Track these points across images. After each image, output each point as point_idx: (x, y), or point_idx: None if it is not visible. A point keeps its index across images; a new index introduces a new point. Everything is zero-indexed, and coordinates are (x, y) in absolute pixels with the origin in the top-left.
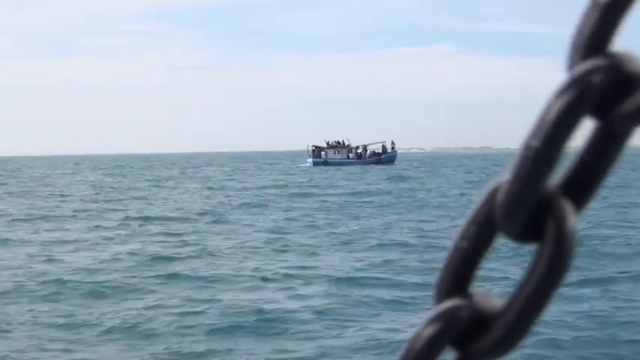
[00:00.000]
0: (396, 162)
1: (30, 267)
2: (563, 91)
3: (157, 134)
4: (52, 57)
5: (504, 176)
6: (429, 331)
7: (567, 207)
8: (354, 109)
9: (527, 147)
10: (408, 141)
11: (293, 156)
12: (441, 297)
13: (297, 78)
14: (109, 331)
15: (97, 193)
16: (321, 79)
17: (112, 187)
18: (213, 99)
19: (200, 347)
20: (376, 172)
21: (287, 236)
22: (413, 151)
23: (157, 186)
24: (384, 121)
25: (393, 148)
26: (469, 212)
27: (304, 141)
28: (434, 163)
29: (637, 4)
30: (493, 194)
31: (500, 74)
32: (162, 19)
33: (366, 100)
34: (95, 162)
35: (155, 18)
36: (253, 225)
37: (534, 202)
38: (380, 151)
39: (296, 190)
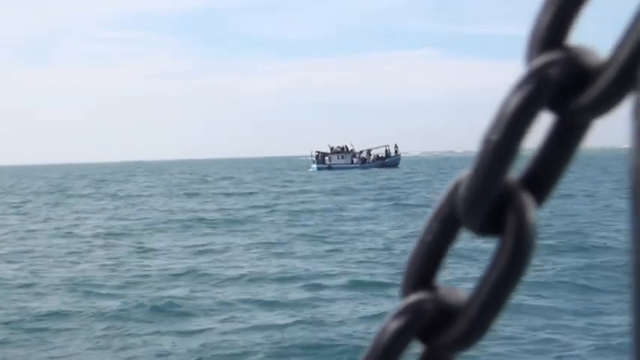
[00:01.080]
0: (399, 165)
1: None
2: (520, 84)
3: (147, 141)
4: (31, 64)
5: (466, 171)
6: (395, 324)
7: (527, 200)
8: (339, 112)
9: (486, 141)
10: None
11: (289, 161)
12: (406, 291)
13: (282, 82)
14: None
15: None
16: (306, 83)
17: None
18: (205, 105)
19: None
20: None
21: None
22: None
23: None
24: (370, 125)
25: (396, 151)
26: (433, 207)
27: (296, 146)
28: (439, 165)
29: None
30: (455, 189)
31: (486, 77)
32: (147, 26)
33: (352, 103)
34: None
35: (139, 25)
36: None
37: (495, 195)
38: (383, 155)
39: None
